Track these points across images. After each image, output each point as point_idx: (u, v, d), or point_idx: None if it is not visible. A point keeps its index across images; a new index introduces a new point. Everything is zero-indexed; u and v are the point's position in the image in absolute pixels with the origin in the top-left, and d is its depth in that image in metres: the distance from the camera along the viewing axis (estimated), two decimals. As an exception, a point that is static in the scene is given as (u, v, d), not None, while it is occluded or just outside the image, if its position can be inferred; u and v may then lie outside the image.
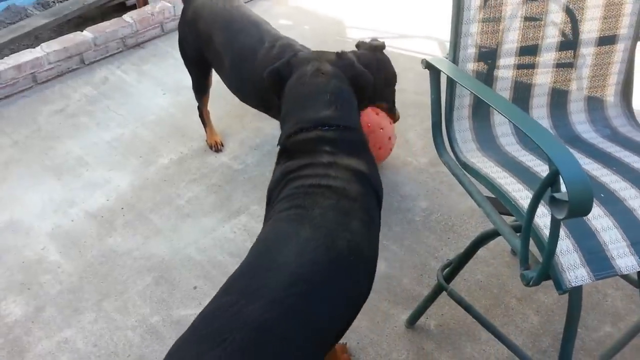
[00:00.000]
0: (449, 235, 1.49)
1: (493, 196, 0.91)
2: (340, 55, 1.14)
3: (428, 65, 0.95)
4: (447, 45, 2.67)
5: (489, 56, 1.00)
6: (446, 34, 2.95)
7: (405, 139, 1.84)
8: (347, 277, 0.79)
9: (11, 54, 2.10)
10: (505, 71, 1.01)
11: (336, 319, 0.78)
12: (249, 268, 0.78)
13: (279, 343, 0.67)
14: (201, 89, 1.69)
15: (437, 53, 2.33)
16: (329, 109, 1.00)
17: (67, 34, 2.23)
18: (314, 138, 0.96)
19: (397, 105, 1.62)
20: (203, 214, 1.56)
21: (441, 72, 0.93)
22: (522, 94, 1.05)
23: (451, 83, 1.00)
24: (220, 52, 1.48)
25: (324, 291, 0.75)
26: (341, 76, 1.09)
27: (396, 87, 2.09)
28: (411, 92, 2.08)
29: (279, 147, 1.03)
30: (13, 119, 1.89)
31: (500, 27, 0.99)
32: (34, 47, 2.09)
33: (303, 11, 2.60)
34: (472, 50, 0.99)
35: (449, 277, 1.12)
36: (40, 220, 1.52)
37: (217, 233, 1.50)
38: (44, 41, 2.22)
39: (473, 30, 0.98)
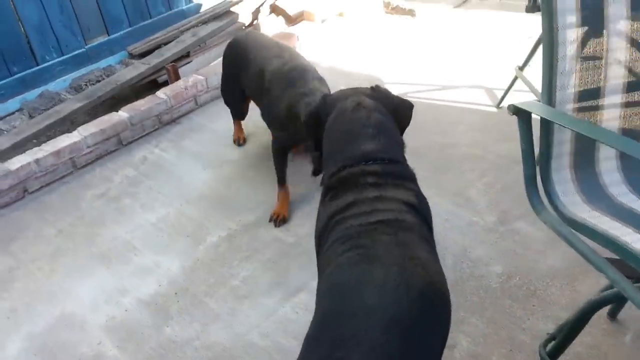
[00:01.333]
0: (532, 302, 1.57)
1: (615, 257, 0.88)
2: (375, 89, 1.28)
3: (517, 111, 0.96)
4: (495, 92, 2.93)
5: (591, 95, 0.98)
6: (491, 82, 3.26)
7: (466, 197, 2.00)
8: (431, 312, 0.88)
9: (48, 140, 2.44)
10: (613, 111, 0.98)
11: (435, 355, 0.86)
12: (331, 317, 0.86)
13: None
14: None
15: (486, 102, 2.56)
16: (372, 143, 1.10)
17: (101, 115, 2.58)
18: (357, 173, 1.05)
19: (451, 159, 1.85)
20: (261, 293, 1.70)
21: (531, 118, 0.92)
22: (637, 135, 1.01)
23: (547, 129, 0.99)
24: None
25: (417, 330, 0.83)
26: (382, 109, 1.20)
27: (447, 141, 2.30)
28: (464, 145, 2.28)
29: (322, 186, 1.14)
30: (56, 207, 2.14)
31: (602, 62, 0.97)
32: (71, 132, 2.43)
33: (337, 72, 2.92)
34: (571, 90, 0.98)
35: (555, 354, 1.11)
36: (93, 313, 1.69)
37: (279, 315, 1.63)
38: (79, 125, 2.55)
39: (570, 68, 0.97)
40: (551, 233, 1.77)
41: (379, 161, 1.07)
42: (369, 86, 1.32)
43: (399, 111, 1.27)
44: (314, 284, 1.73)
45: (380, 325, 0.80)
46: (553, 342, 1.16)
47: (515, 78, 2.37)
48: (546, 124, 0.97)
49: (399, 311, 0.82)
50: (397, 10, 3.45)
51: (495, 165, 2.14)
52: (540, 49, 2.25)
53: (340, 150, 1.14)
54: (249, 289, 1.71)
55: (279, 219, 1.95)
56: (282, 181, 2.00)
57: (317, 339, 0.85)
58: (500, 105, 2.50)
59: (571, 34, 1.00)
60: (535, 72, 2.37)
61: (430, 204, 1.93)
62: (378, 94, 1.27)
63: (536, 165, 1.08)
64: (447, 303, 0.94)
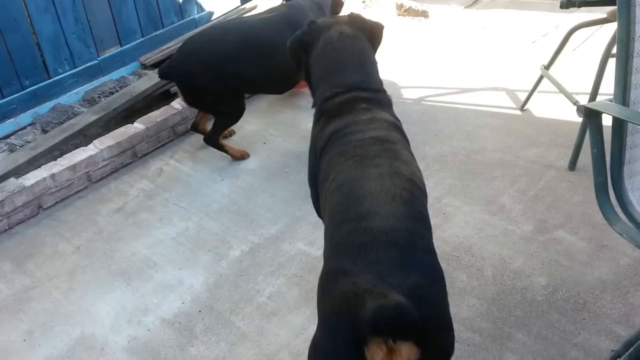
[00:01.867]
0: (583, 315, 1.47)
1: None
2: (351, 16, 1.51)
3: (589, 113, 0.90)
4: (517, 94, 2.82)
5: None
6: (511, 83, 3.17)
7: (500, 204, 1.89)
8: (417, 189, 1.14)
9: (61, 154, 2.37)
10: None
11: (425, 212, 1.14)
12: (345, 207, 1.09)
13: (411, 236, 1.00)
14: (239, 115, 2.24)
15: (508, 104, 2.46)
16: (359, 73, 1.37)
17: (113, 127, 2.51)
18: (351, 99, 1.30)
19: (478, 166, 2.04)
20: (289, 310, 1.60)
21: (601, 120, 0.87)
22: None
23: (620, 132, 0.93)
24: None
25: (411, 200, 1.08)
26: (361, 36, 1.44)
27: (472, 147, 2.21)
28: (491, 150, 2.18)
29: (314, 108, 1.39)
30: (72, 223, 2.06)
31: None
32: (84, 145, 2.35)
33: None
34: None
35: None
36: (114, 333, 1.59)
37: (309, 333, 1.53)
38: (91, 138, 2.48)
39: None
40: (595, 243, 1.69)
41: (366, 89, 1.33)
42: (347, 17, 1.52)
43: (373, 33, 1.51)
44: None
45: (387, 200, 1.05)
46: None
47: (541, 77, 2.28)
48: (619, 126, 0.89)
49: (397, 190, 1.07)
50: (409, 11, 3.38)
51: (526, 170, 2.04)
52: (566, 46, 2.19)
53: (332, 76, 1.38)
54: (276, 306, 1.62)
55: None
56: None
57: (342, 220, 1.06)
58: (525, 107, 2.41)
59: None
60: (558, 72, 2.31)
61: (461, 213, 1.86)
62: (355, 21, 1.49)
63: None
64: (423, 184, 1.21)
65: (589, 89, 2.02)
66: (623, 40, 0.94)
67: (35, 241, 1.98)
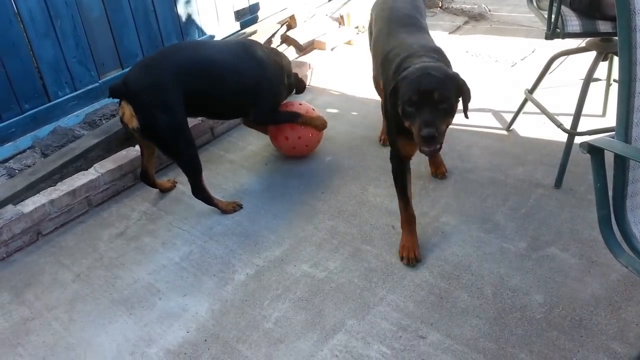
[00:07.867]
0: (580, 332, 1.39)
1: None
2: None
3: (592, 149, 0.86)
4: (503, 115, 2.75)
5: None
6: (496, 104, 3.12)
7: (494, 222, 1.82)
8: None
9: (61, 178, 2.20)
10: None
11: None
12: None
13: None
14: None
15: (495, 124, 2.41)
16: None
17: (114, 149, 2.35)
18: None
19: (471, 184, 2.00)
20: (296, 336, 1.49)
21: (605, 155, 0.83)
22: None
23: (622, 167, 0.89)
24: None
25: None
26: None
27: (465, 166, 2.14)
28: (482, 169, 2.11)
29: None
30: (72, 249, 1.90)
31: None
32: (85, 169, 2.19)
33: (347, 97, 2.76)
34: None
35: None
36: (118, 367, 1.45)
37: (316, 359, 1.42)
38: (91, 160, 2.32)
39: None
40: (585, 259, 1.62)
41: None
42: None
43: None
44: (351, 322, 1.53)
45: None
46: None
47: (525, 101, 2.23)
48: (622, 162, 0.84)
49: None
50: (399, 37, 3.32)
51: (516, 189, 1.97)
52: (548, 72, 2.15)
53: None
54: (283, 332, 1.50)
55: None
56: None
57: None
58: (511, 128, 2.35)
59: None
60: (539, 94, 2.26)
61: (458, 232, 1.78)
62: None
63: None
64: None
65: (569, 109, 1.98)
66: (625, 81, 0.89)
67: (34, 269, 1.81)
